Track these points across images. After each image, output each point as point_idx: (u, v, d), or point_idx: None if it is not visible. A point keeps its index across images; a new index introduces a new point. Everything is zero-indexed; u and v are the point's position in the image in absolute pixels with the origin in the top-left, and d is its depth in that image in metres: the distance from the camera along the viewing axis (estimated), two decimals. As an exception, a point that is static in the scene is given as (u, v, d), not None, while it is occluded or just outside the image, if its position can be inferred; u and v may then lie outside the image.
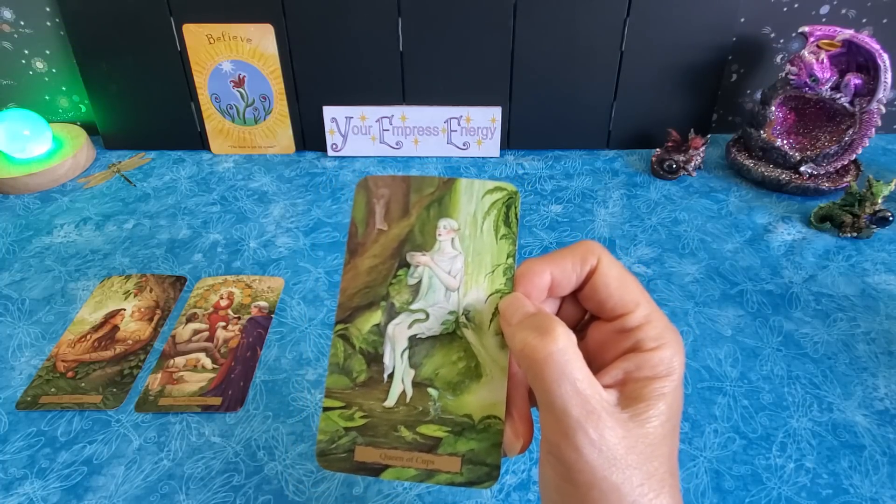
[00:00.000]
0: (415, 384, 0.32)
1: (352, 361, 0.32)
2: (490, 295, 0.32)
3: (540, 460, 0.29)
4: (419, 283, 0.33)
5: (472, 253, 0.32)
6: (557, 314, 0.32)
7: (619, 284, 0.29)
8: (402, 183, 0.33)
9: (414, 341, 0.32)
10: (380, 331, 0.32)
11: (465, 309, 0.32)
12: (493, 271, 0.32)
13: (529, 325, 0.28)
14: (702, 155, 0.89)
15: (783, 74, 0.84)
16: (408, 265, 0.33)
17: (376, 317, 0.32)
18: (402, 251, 0.33)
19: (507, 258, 0.32)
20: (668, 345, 0.28)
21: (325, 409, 0.32)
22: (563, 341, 0.27)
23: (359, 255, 0.33)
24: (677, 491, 0.27)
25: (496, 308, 0.31)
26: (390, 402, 0.31)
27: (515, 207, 0.33)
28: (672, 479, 0.27)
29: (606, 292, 0.29)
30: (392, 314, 0.32)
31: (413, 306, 0.32)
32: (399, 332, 0.33)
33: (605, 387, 0.28)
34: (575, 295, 0.31)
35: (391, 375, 0.32)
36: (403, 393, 0.32)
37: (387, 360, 0.32)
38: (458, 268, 0.32)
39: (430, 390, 0.32)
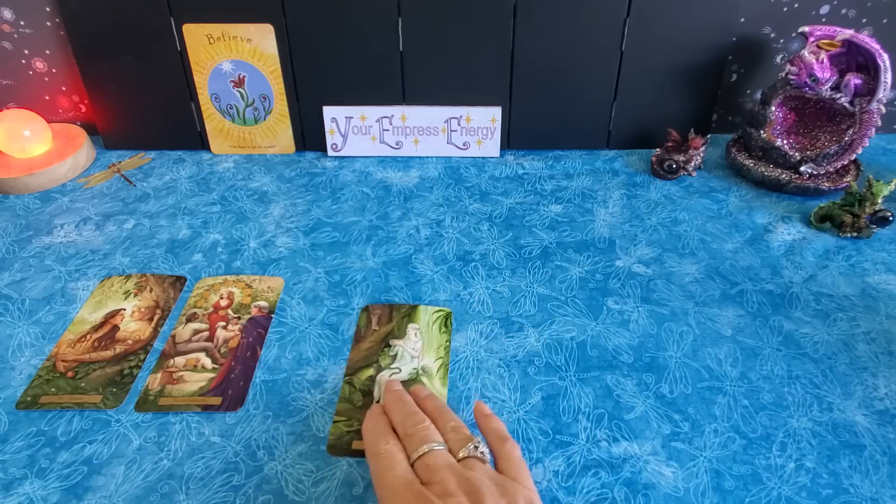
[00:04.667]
0: None
1: (354, 396, 0.58)
2: (436, 360, 0.61)
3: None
4: (396, 354, 0.61)
5: (426, 340, 0.63)
6: None
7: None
8: (387, 307, 0.67)
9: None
10: (371, 380, 0.59)
11: (423, 367, 0.60)
12: (437, 349, 0.62)
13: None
14: (702, 155, 0.89)
15: (783, 74, 0.84)
16: (389, 345, 0.62)
17: (370, 371, 0.60)
18: (387, 339, 0.63)
19: (446, 343, 0.63)
20: None
21: (335, 421, 0.55)
22: None
23: (361, 341, 0.63)
24: None
25: (438, 367, 0.60)
26: None
27: (449, 319, 0.65)
28: None
29: None
30: (379, 370, 0.60)
31: (392, 366, 0.60)
32: (382, 378, 0.59)
33: None
34: None
35: (378, 402, 0.57)
36: None
37: (375, 394, 0.58)
38: (418, 347, 0.62)
39: None
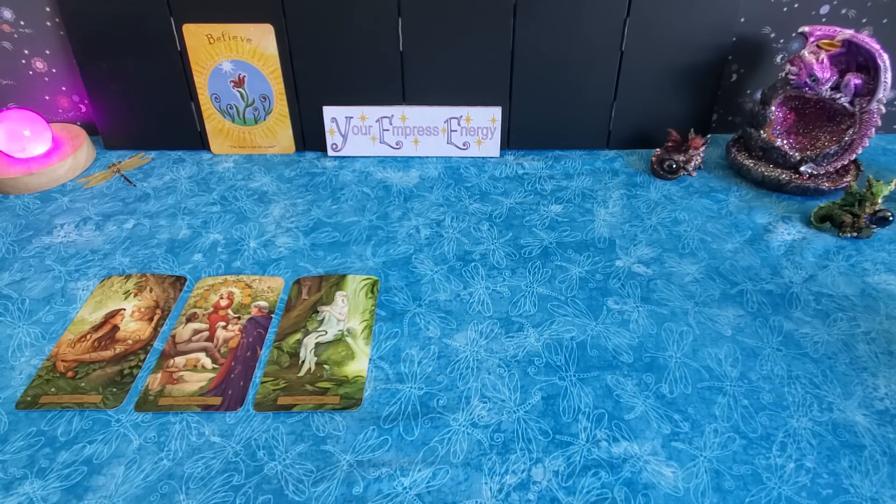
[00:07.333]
0: (316, 364, 0.62)
1: (282, 358, 0.63)
2: (361, 322, 0.66)
3: None
4: (323, 319, 0.66)
5: (352, 305, 0.68)
6: None
7: None
8: (318, 278, 0.71)
9: (318, 345, 0.64)
10: (299, 343, 0.64)
11: (349, 329, 0.65)
12: (362, 312, 0.67)
13: None
14: (702, 155, 0.89)
15: (783, 74, 0.84)
16: (317, 311, 0.67)
17: (297, 336, 0.65)
18: (316, 306, 0.67)
19: (371, 307, 0.67)
20: None
21: (263, 382, 0.60)
22: None
23: (292, 310, 0.68)
24: None
25: (363, 328, 0.65)
26: (301, 374, 0.61)
27: (376, 287, 0.70)
28: None
29: None
30: (306, 334, 0.65)
31: (319, 329, 0.65)
32: (309, 340, 0.64)
33: None
34: None
35: (303, 362, 0.62)
36: (309, 369, 0.62)
37: (302, 355, 0.63)
38: (344, 312, 0.67)
39: (325, 366, 0.62)
